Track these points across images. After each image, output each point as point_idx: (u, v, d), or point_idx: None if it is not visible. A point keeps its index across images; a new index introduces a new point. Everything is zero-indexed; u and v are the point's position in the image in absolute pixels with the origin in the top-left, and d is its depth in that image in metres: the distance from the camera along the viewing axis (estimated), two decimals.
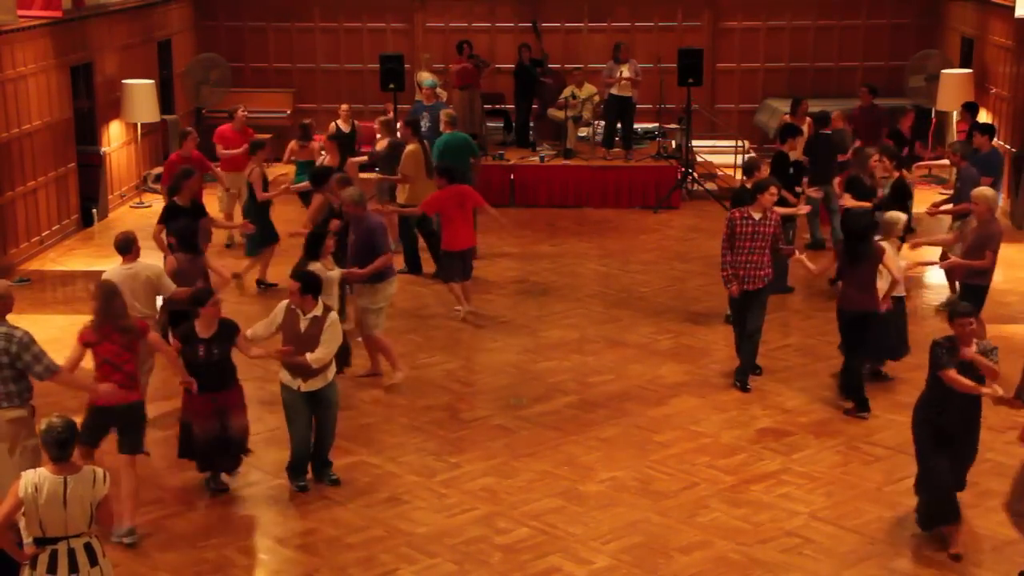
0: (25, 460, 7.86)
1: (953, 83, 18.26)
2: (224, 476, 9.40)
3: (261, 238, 13.81)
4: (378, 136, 15.92)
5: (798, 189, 13.91)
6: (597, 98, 18.91)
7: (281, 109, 21.07)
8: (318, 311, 9.06)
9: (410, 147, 14.39)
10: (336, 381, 9.39)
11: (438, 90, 18.43)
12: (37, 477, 6.43)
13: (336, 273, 10.56)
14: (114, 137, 18.29)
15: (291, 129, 19.82)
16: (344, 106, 17.66)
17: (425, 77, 18.83)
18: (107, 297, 8.51)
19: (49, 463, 6.50)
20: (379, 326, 11.31)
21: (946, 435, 8.36)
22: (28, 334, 7.99)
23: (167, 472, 9.65)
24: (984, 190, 11.49)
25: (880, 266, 10.51)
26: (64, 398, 9.94)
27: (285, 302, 9.22)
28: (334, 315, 9.17)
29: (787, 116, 16.88)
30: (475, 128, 19.21)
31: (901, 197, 12.86)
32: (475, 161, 15.47)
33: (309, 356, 8.94)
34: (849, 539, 8.61)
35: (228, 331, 9.09)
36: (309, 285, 9.07)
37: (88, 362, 8.56)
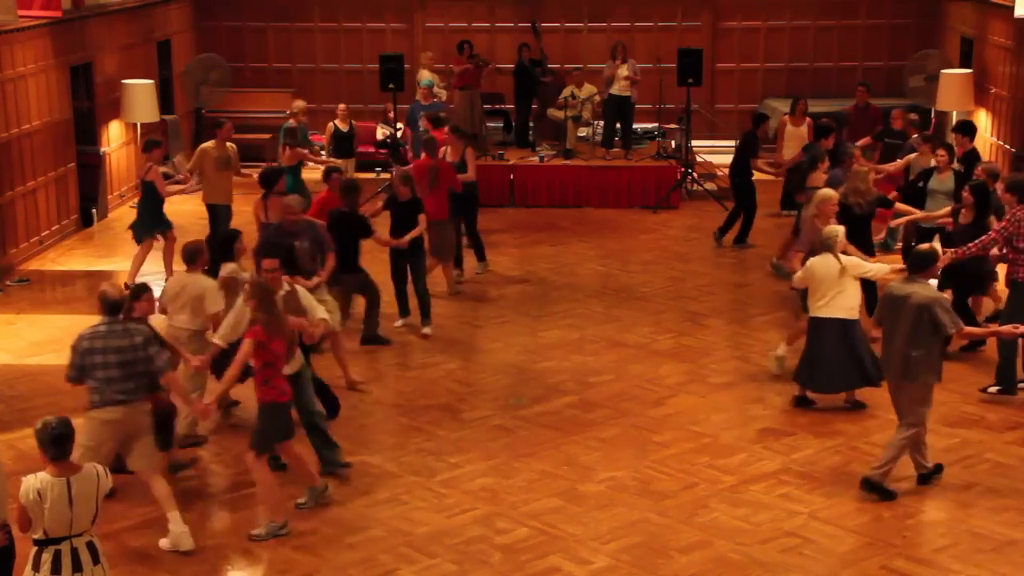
0: None
1: (953, 83, 18.25)
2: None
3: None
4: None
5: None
6: (597, 98, 18.91)
7: (281, 109, 21.03)
8: (286, 287, 9.34)
9: (203, 145, 14.60)
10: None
11: (435, 89, 18.43)
12: (38, 482, 6.38)
13: (248, 275, 10.22)
14: (114, 137, 18.30)
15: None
16: (342, 105, 17.66)
17: (424, 76, 18.84)
18: (270, 294, 8.68)
19: (49, 465, 6.44)
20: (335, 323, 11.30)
21: None
22: None
23: (167, 472, 9.63)
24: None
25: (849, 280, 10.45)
26: (63, 399, 9.94)
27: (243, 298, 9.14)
28: (301, 288, 9.53)
29: (786, 116, 16.89)
30: (475, 128, 19.23)
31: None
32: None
33: (324, 320, 9.42)
34: (849, 539, 8.60)
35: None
36: (286, 260, 9.39)
37: None
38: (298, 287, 9.55)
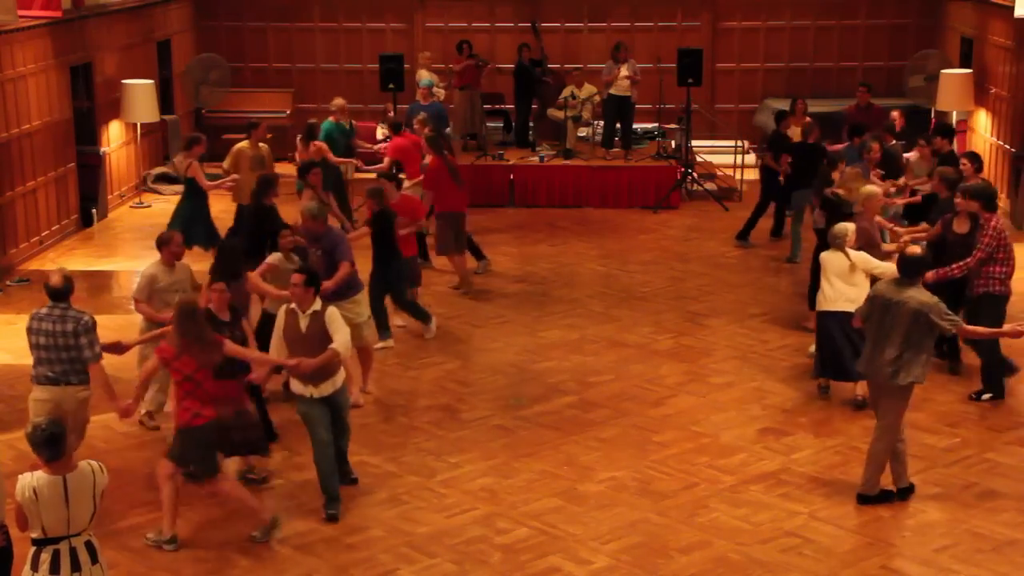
0: None
1: (953, 83, 18.25)
2: (257, 464, 9.45)
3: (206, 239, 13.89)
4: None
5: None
6: (597, 98, 18.90)
7: (281, 109, 21.06)
8: (317, 306, 8.83)
9: (238, 145, 14.72)
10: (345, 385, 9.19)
11: (435, 89, 18.42)
12: (34, 480, 6.38)
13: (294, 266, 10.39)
14: (114, 137, 18.29)
15: (291, 129, 19.83)
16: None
17: (423, 76, 18.84)
18: (190, 314, 8.42)
19: (44, 465, 6.43)
20: (370, 337, 11.10)
21: None
22: None
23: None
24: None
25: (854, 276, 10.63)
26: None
27: (283, 308, 9.02)
28: (333, 308, 8.95)
29: (807, 118, 16.77)
30: (475, 128, 19.23)
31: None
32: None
33: (334, 345, 8.70)
34: (849, 539, 8.61)
35: (239, 315, 9.22)
36: (313, 278, 8.88)
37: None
38: (332, 308, 8.96)
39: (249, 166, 14.40)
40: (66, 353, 8.63)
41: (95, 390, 8.81)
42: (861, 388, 10.66)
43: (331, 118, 16.28)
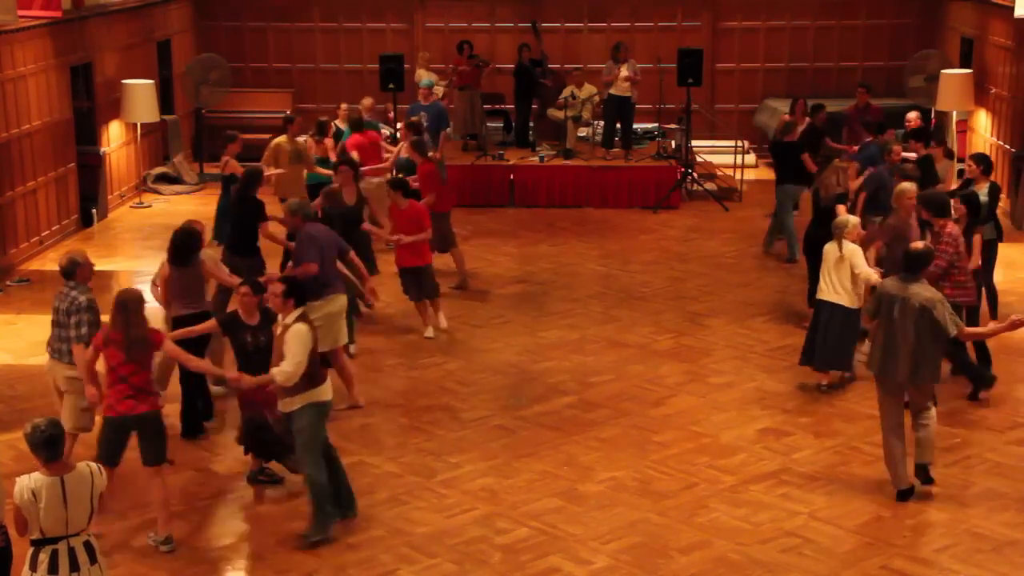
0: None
1: (953, 83, 18.24)
2: (274, 467, 9.41)
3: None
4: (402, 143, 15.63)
5: None
6: (597, 98, 18.90)
7: (281, 109, 21.04)
8: (290, 319, 8.37)
9: (276, 139, 14.79)
10: (310, 408, 8.42)
11: (435, 89, 18.43)
12: (32, 482, 6.38)
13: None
14: (114, 137, 18.30)
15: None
16: (343, 105, 17.65)
17: (422, 76, 18.84)
18: (121, 307, 8.34)
19: (42, 466, 6.44)
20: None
21: None
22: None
23: (167, 472, 9.61)
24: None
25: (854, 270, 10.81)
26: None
27: None
28: (299, 325, 8.32)
29: (787, 116, 16.86)
30: (475, 128, 19.23)
31: None
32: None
33: (274, 371, 8.29)
34: (849, 539, 8.61)
35: (271, 318, 8.99)
36: (292, 289, 8.48)
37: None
38: (297, 327, 8.30)
39: (288, 160, 14.48)
40: (64, 331, 8.96)
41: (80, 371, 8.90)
42: (827, 378, 11.14)
43: (361, 117, 16.35)
